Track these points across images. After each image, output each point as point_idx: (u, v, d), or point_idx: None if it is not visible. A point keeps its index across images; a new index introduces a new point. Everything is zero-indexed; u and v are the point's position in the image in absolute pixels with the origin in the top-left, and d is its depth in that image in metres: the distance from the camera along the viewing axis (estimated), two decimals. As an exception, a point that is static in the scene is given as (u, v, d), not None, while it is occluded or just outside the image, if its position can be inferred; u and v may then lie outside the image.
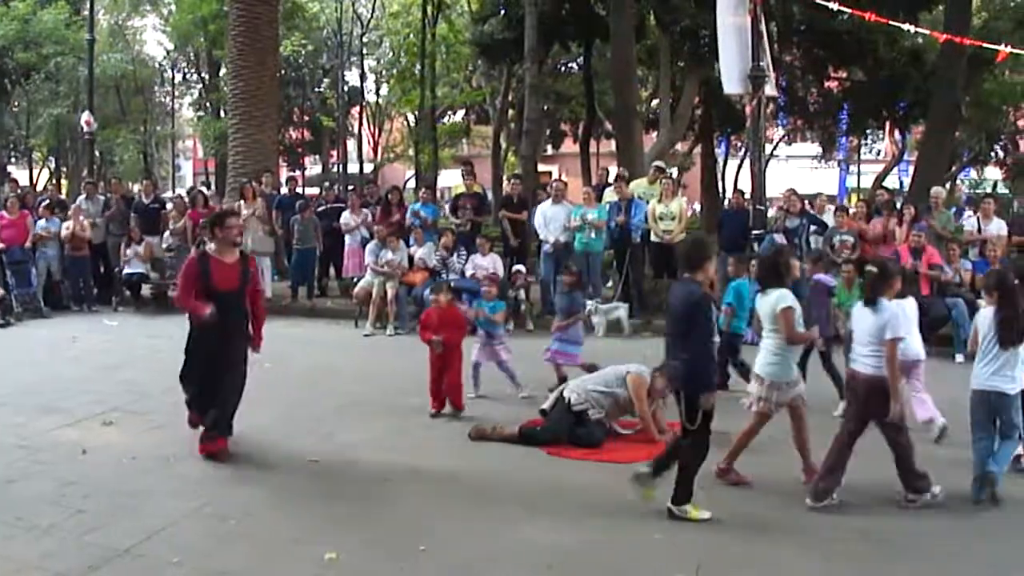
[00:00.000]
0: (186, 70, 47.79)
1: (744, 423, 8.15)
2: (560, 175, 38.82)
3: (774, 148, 42.30)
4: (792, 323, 7.90)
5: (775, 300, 7.97)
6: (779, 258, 8.41)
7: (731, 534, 7.07)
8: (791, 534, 7.07)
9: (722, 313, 11.37)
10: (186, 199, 20.56)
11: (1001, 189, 38.81)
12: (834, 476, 7.67)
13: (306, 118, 48.07)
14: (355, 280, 17.45)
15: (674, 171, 31.11)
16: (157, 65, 48.02)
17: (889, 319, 7.63)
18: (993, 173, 41.86)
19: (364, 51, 44.64)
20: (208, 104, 42.22)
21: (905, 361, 8.51)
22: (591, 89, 31.17)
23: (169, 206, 20.03)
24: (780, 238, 16.33)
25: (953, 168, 37.28)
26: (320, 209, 19.69)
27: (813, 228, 16.85)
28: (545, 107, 35.23)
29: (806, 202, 17.95)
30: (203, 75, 43.56)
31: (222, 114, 34.42)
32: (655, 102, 33.27)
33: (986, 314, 8.01)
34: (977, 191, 39.41)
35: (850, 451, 7.71)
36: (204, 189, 26.89)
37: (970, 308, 14.29)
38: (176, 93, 49.42)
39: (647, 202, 17.22)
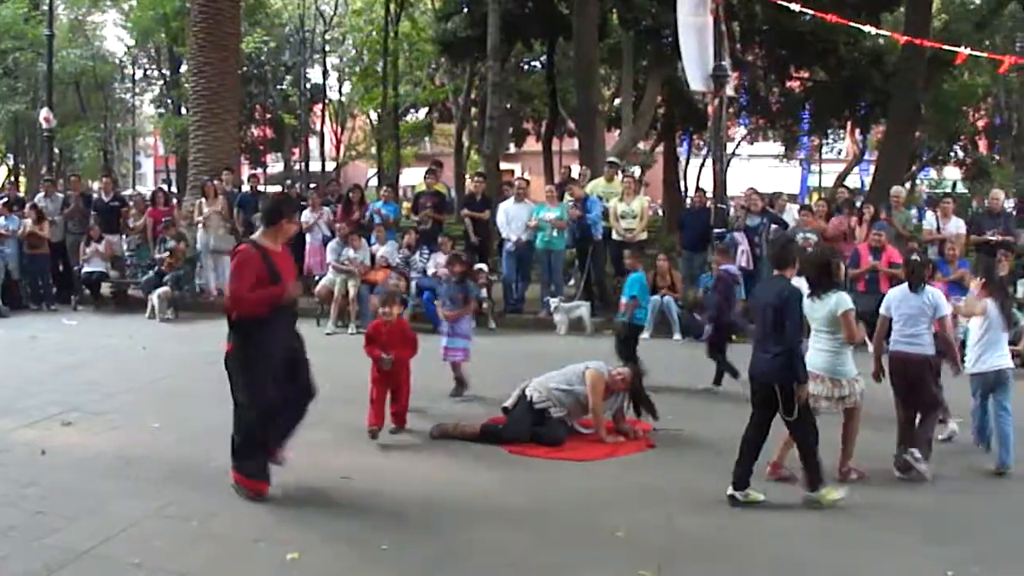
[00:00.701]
0: (147, 66, 47.37)
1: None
2: (523, 173, 38.76)
3: (736, 147, 42.55)
4: (854, 324, 8.10)
5: (835, 304, 8.10)
6: (831, 259, 8.65)
7: (694, 531, 7.11)
8: (752, 530, 7.11)
9: (624, 306, 11.97)
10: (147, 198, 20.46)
11: (960, 188, 39.12)
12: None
13: (268, 115, 47.83)
14: (317, 279, 17.38)
15: (636, 170, 31.24)
16: (118, 61, 47.49)
17: (937, 300, 8.61)
18: (953, 173, 42.22)
19: (327, 48, 44.56)
20: (169, 101, 41.87)
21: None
22: (554, 87, 31.25)
23: (130, 204, 19.91)
24: (741, 236, 16.44)
25: (913, 168, 37.58)
26: (282, 208, 19.61)
27: (774, 227, 16.97)
28: (508, 105, 35.22)
29: (767, 201, 18.06)
30: (164, 72, 43.25)
31: (183, 111, 34.16)
32: (618, 101, 33.34)
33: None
34: (937, 190, 39.75)
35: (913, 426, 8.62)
36: (165, 187, 26.77)
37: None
38: (137, 90, 48.93)
39: (606, 201, 17.29)
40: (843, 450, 8.40)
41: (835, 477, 8.11)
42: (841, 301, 8.10)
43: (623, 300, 12.12)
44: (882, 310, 8.94)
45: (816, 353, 8.27)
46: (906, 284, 8.88)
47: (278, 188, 29.38)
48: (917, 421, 8.58)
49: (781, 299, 7.65)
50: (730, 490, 7.63)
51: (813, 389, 8.02)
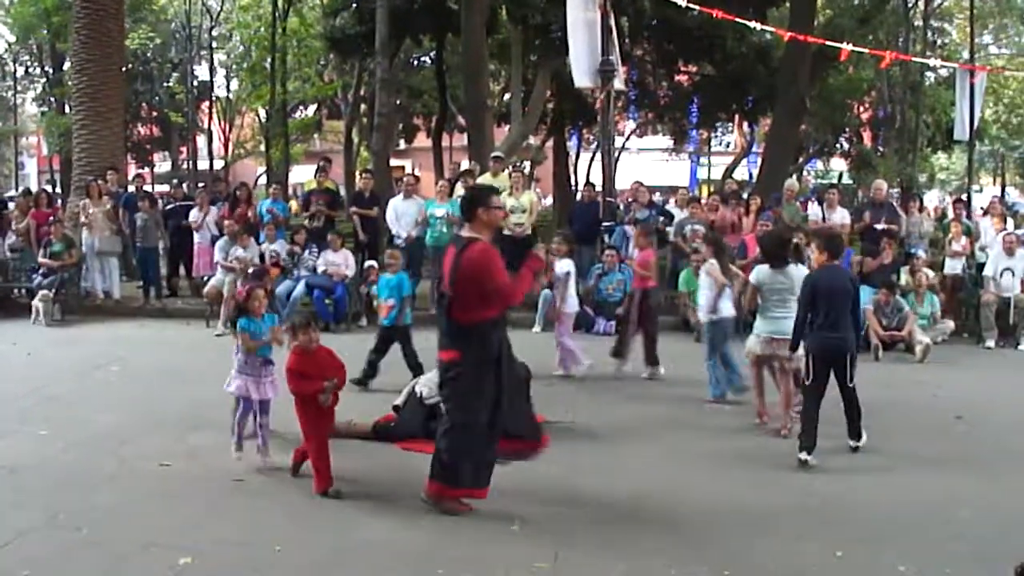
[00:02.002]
0: (28, 63, 46.29)
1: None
2: (413, 169, 38.77)
3: (626, 141, 42.89)
4: None
5: (800, 275, 9.49)
6: (790, 236, 10.45)
7: (587, 520, 7.20)
8: (646, 519, 7.21)
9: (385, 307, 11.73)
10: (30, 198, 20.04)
11: (846, 180, 39.91)
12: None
13: (154, 114, 47.11)
14: (205, 279, 17.21)
15: (526, 165, 31.34)
16: (-2, 58, 46.62)
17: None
18: (839, 164, 43.01)
19: (214, 45, 43.89)
20: (52, 99, 41.10)
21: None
22: (443, 83, 31.23)
23: (11, 206, 19.52)
24: (631, 229, 16.65)
25: (800, 160, 38.24)
26: (168, 207, 19.40)
27: (661, 219, 17.28)
28: (397, 101, 35.14)
29: (657, 194, 18.38)
30: (47, 69, 42.33)
31: (67, 109, 33.54)
32: (507, 96, 33.43)
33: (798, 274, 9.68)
34: (823, 181, 40.47)
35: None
36: (49, 188, 26.27)
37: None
38: (18, 88, 47.93)
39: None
40: (787, 411, 9.59)
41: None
42: (803, 272, 9.51)
43: (381, 301, 11.80)
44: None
45: (784, 320, 9.42)
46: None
47: (166, 188, 28.92)
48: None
49: (855, 286, 9.18)
50: (803, 455, 8.57)
51: (781, 351, 9.44)
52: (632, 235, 16.44)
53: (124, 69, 25.02)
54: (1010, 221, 18.44)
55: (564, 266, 12.56)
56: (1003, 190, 50.55)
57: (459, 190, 17.78)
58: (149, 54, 42.91)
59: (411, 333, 11.78)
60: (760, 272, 9.90)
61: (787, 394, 9.69)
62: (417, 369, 11.30)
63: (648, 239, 12.91)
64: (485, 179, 18.24)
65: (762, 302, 9.81)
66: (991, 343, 15.49)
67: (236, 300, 8.95)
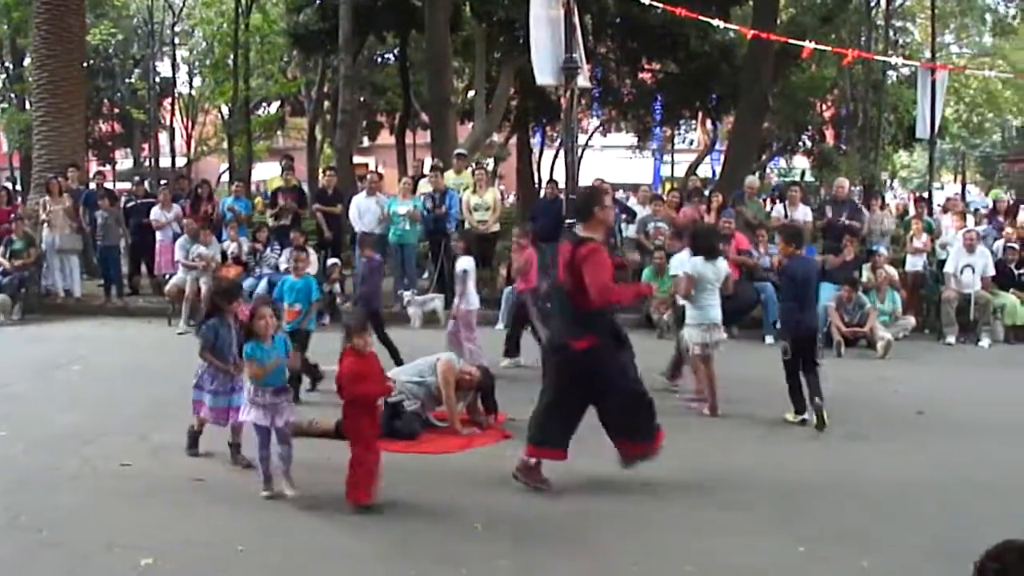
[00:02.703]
0: (-13, 59, 45.98)
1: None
2: (377, 167, 38.66)
3: (589, 138, 42.88)
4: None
5: (726, 266, 10.72)
6: (719, 230, 11.92)
7: (547, 516, 7.22)
8: (609, 515, 7.20)
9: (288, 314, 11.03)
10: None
11: (808, 177, 40.08)
12: None
13: (116, 110, 46.68)
14: (167, 277, 17.12)
15: (489, 162, 31.33)
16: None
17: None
18: (801, 162, 43.15)
19: (176, 41, 43.64)
20: (12, 95, 40.71)
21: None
22: (407, 80, 31.15)
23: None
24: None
25: (763, 157, 38.35)
26: (130, 205, 19.29)
27: (624, 216, 17.37)
28: (361, 98, 35.04)
29: (620, 192, 18.47)
30: (6, 65, 41.90)
31: (27, 106, 33.22)
32: (471, 93, 33.39)
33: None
34: (786, 179, 40.62)
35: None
36: (9, 185, 26.04)
37: (778, 292, 15.01)
38: (-23, 84, 47.53)
39: (459, 192, 17.41)
40: (714, 393, 10.36)
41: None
42: (725, 265, 10.64)
43: (286, 306, 11.09)
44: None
45: (713, 308, 10.36)
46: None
47: (127, 185, 28.69)
48: None
49: (814, 273, 10.71)
50: (803, 416, 9.95)
51: (717, 336, 10.43)
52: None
53: (85, 65, 24.86)
54: (970, 218, 18.57)
55: (463, 264, 12.50)
56: (964, 188, 50.95)
57: (423, 187, 17.79)
58: (111, 50, 42.55)
59: (310, 340, 11.25)
60: (696, 263, 10.47)
61: (712, 377, 10.47)
62: (313, 372, 11.23)
63: (527, 240, 12.95)
64: (448, 176, 18.24)
65: (696, 292, 10.39)
66: (952, 339, 15.62)
67: (241, 322, 8.26)
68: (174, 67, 44.23)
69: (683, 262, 10.99)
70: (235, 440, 8.54)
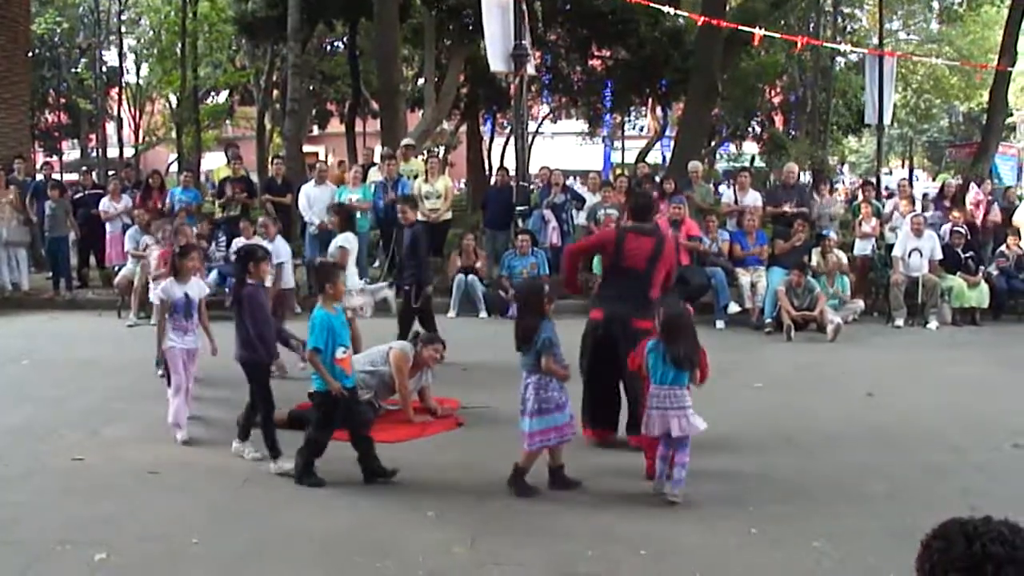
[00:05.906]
0: (-71, 50, 45.35)
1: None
2: (327, 155, 38.56)
3: (539, 125, 42.93)
4: None
5: None
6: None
7: (503, 505, 7.24)
8: (567, 503, 7.24)
9: None
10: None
11: (758, 163, 40.30)
12: None
13: (62, 100, 46.21)
14: (117, 269, 16.98)
15: (440, 150, 31.30)
16: None
17: None
18: (751, 147, 43.39)
19: (123, 29, 43.17)
20: (-44, 87, 40.28)
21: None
22: (356, 68, 31.10)
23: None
24: (549, 214, 16.85)
25: (713, 143, 38.55)
26: (78, 196, 19.11)
27: (574, 203, 17.46)
28: (311, 87, 34.95)
29: (570, 178, 18.56)
30: (-51, 55, 41.52)
31: (-29, 97, 32.88)
32: (421, 81, 33.34)
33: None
34: (735, 164, 40.84)
35: None
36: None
37: (729, 277, 15.26)
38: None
39: (410, 179, 17.41)
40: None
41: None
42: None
43: None
44: None
45: None
46: None
47: (75, 176, 28.43)
48: None
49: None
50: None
51: None
52: (551, 219, 16.72)
53: (30, 55, 24.59)
54: (918, 203, 18.77)
55: (340, 241, 12.30)
56: (911, 173, 51.41)
57: (373, 175, 17.76)
58: (56, 39, 42.11)
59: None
60: None
61: None
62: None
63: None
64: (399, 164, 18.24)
65: None
66: (900, 322, 15.77)
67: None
68: (121, 56, 43.72)
69: None
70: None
